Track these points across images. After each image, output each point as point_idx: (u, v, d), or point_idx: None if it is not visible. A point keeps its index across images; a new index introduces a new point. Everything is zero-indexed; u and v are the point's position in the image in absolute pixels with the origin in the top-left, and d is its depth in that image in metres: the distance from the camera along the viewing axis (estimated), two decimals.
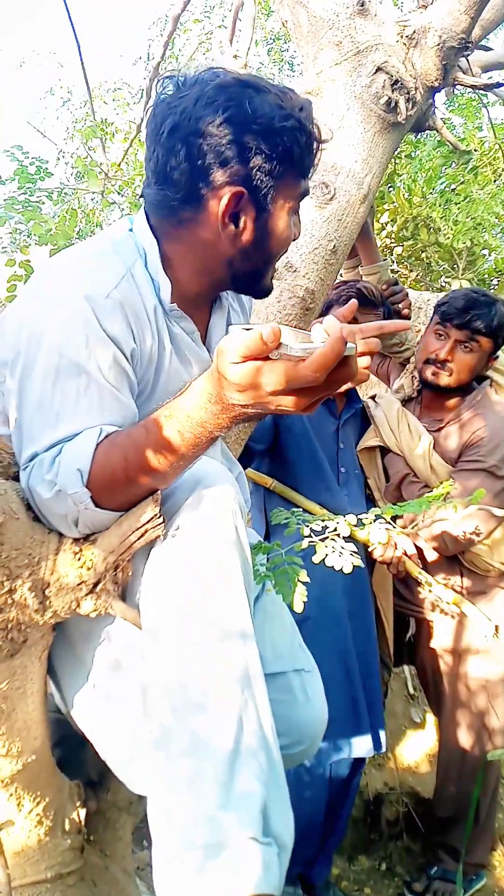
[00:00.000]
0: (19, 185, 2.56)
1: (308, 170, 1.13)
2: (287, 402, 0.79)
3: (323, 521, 1.42)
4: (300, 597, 1.22)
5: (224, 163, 1.03)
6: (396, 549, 2.00)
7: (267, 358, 0.76)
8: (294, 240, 1.17)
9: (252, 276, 1.17)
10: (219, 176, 1.04)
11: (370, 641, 2.06)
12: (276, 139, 1.04)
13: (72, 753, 1.34)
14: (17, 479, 1.02)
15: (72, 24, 1.90)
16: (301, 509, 1.78)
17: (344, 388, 0.84)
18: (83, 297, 0.97)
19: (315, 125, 1.10)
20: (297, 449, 2.14)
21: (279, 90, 1.07)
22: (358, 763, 2.05)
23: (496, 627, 1.95)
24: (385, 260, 2.36)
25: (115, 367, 0.99)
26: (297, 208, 1.14)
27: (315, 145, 1.11)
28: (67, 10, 1.96)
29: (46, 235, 2.25)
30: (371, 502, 2.24)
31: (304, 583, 1.25)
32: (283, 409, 0.81)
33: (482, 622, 1.84)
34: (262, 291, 1.22)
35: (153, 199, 1.11)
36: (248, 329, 0.76)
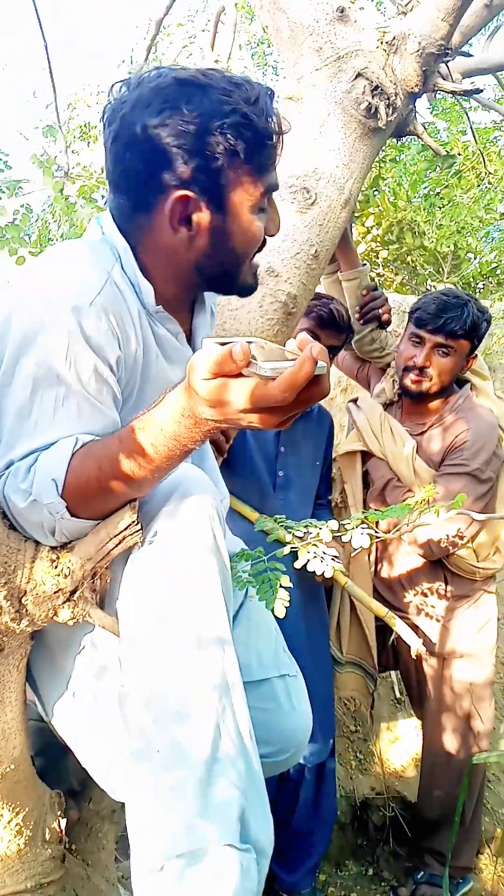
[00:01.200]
0: None
1: (266, 164, 1.07)
2: (256, 420, 0.78)
3: (306, 528, 1.43)
4: (282, 603, 1.22)
5: (166, 167, 1.02)
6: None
7: (239, 374, 0.75)
8: (270, 236, 1.14)
9: (225, 277, 1.15)
10: (163, 180, 1.03)
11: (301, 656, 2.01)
12: (217, 138, 1.01)
13: (54, 762, 1.33)
14: None
15: (40, 24, 1.89)
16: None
17: None
18: (67, 305, 0.95)
19: (271, 116, 1.05)
20: (234, 450, 2.12)
21: (230, 83, 1.03)
22: (321, 774, 2.05)
23: (423, 646, 1.92)
24: (364, 265, 2.35)
25: (96, 377, 0.98)
26: (261, 205, 1.10)
27: (272, 138, 1.06)
28: (37, 14, 1.95)
29: None
30: (320, 509, 2.24)
31: (286, 588, 1.25)
32: (253, 426, 0.80)
33: (412, 640, 1.84)
34: (241, 291, 1.19)
35: (112, 206, 1.11)
36: (222, 343, 0.75)
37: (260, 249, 1.15)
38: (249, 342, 0.75)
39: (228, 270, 1.14)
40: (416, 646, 1.81)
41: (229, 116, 1.00)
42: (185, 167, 1.01)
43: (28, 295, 0.99)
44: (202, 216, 1.06)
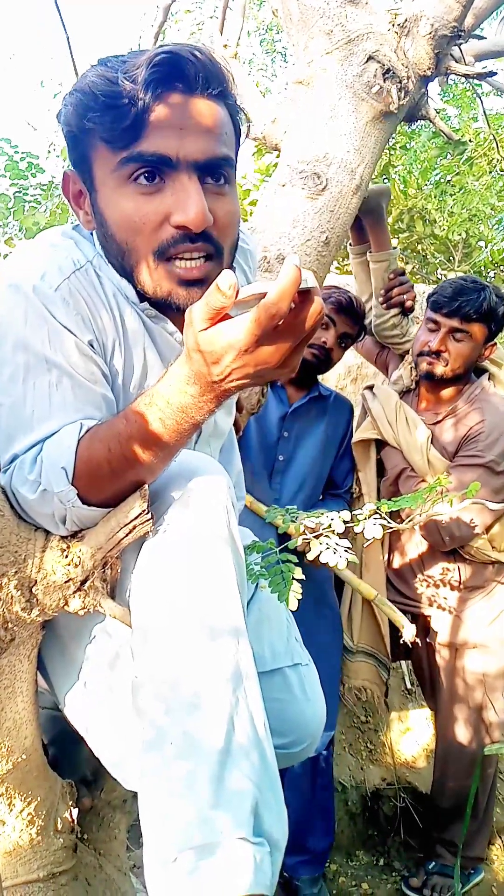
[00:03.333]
0: (11, 183, 2.54)
1: (120, 134, 0.91)
2: (265, 356, 0.76)
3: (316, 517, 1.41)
4: (295, 595, 1.21)
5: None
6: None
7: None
8: (180, 226, 0.93)
9: (128, 277, 1.01)
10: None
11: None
12: (70, 108, 0.95)
13: (67, 751, 1.33)
14: None
15: (60, 15, 1.87)
16: None
17: (312, 322, 0.77)
18: (31, 290, 0.94)
19: (126, 77, 0.89)
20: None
21: (129, 58, 0.93)
22: (315, 762, 2.05)
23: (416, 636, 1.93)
24: (395, 249, 2.33)
25: (82, 356, 0.96)
26: (129, 176, 0.93)
27: (119, 99, 0.89)
28: (57, 5, 1.93)
29: (34, 228, 2.24)
30: (332, 499, 2.25)
31: (298, 580, 1.23)
32: (263, 369, 0.78)
33: (407, 626, 1.85)
34: (154, 303, 1.03)
35: None
36: None
37: (143, 241, 0.95)
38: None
39: (124, 267, 1.00)
40: (409, 632, 1.81)
41: (83, 80, 0.94)
42: (68, 145, 1.00)
43: (2, 285, 0.96)
44: (85, 196, 1.02)
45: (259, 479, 2.08)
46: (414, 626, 1.85)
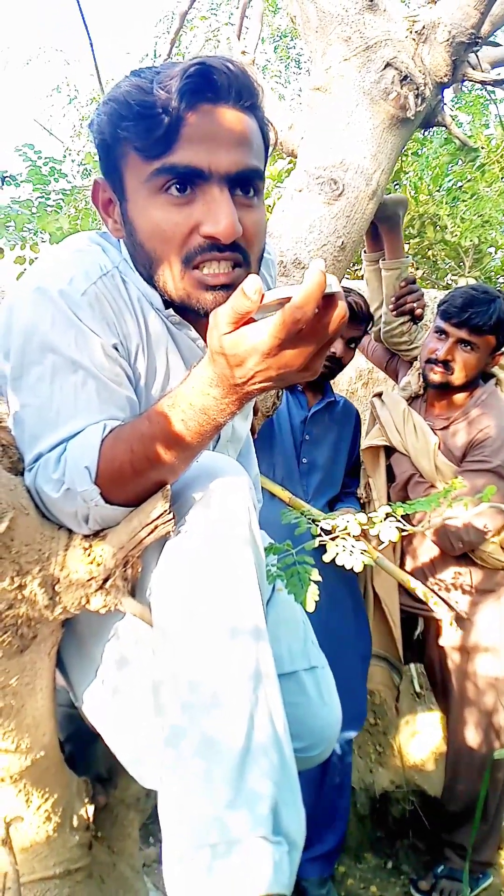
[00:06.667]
0: (34, 188, 2.54)
1: (153, 143, 0.92)
2: (288, 359, 0.77)
3: (331, 519, 1.42)
4: (312, 596, 1.22)
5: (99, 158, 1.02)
6: None
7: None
8: (209, 237, 0.94)
9: (152, 284, 1.03)
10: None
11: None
12: (104, 117, 0.96)
13: (83, 749, 1.34)
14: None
15: (83, 19, 1.89)
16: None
17: (336, 325, 0.78)
18: (58, 294, 0.95)
19: (161, 88, 0.91)
20: (262, 434, 2.18)
21: (162, 69, 0.94)
22: (329, 760, 2.06)
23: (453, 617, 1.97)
24: (407, 258, 2.34)
25: (107, 359, 0.97)
26: (160, 187, 0.94)
27: (153, 108, 0.91)
28: (80, 7, 1.95)
29: (58, 233, 2.25)
30: (347, 497, 2.31)
31: (316, 582, 1.24)
32: (285, 373, 0.78)
33: (443, 612, 1.88)
34: (177, 308, 1.05)
35: None
36: None
37: (170, 249, 0.97)
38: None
39: (151, 275, 1.01)
40: (447, 618, 1.83)
41: (117, 90, 0.95)
42: (99, 153, 1.01)
43: (24, 288, 0.98)
44: (114, 205, 1.03)
45: (292, 480, 2.14)
46: (446, 612, 1.88)
